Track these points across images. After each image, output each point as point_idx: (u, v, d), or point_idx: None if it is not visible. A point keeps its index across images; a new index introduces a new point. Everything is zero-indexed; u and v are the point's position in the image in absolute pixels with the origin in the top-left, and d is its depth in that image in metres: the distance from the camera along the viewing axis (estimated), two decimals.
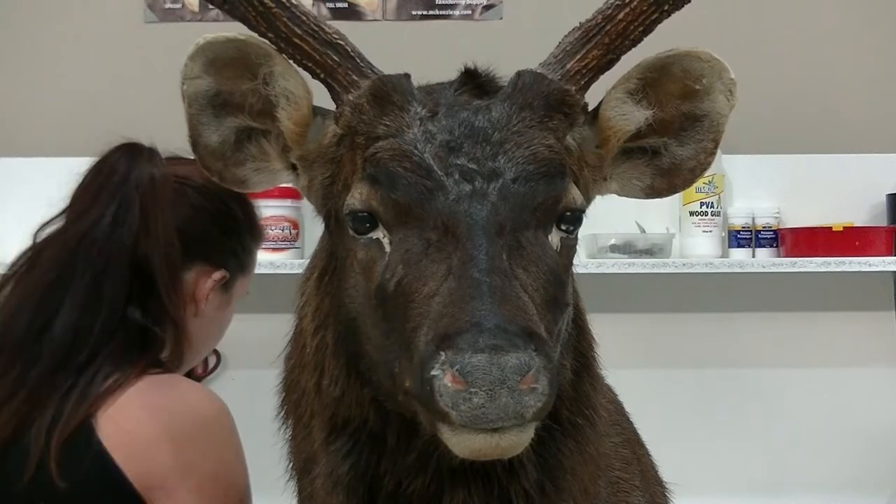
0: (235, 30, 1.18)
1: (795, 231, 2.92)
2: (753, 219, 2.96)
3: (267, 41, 1.18)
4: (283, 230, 2.84)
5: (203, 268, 1.69)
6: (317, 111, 1.23)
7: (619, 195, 1.30)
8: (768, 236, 2.95)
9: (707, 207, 2.90)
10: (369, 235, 1.12)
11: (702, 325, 3.01)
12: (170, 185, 1.64)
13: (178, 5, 3.10)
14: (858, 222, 2.92)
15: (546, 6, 2.89)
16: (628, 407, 1.70)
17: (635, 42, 1.19)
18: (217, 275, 1.70)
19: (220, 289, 1.72)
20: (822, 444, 2.98)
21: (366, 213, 1.12)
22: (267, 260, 2.80)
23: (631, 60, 1.22)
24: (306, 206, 2.44)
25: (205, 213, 1.68)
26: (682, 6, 1.19)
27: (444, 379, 0.94)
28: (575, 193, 1.14)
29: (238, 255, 1.75)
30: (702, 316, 3.01)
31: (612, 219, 2.75)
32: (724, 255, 2.94)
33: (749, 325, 3.02)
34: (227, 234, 1.72)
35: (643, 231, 2.91)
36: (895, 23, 3.09)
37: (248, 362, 2.99)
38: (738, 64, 1.22)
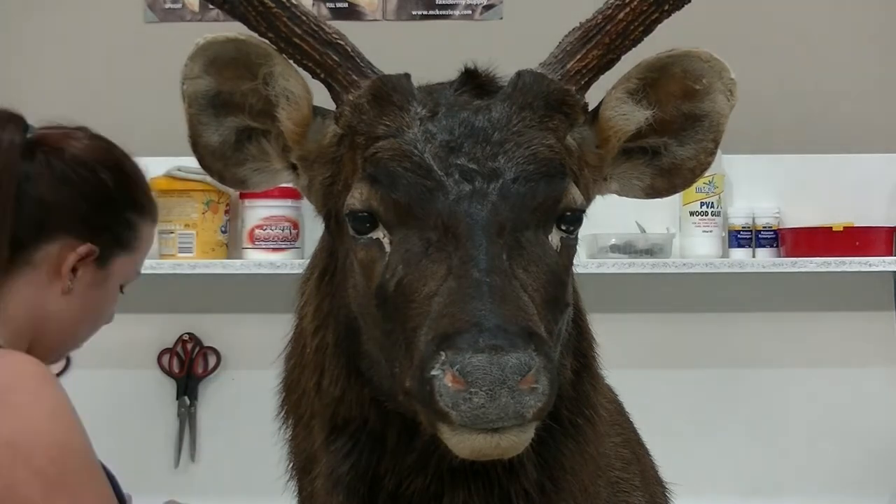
0: (235, 30, 1.18)
1: (795, 231, 2.92)
2: (753, 219, 2.96)
3: (267, 41, 1.18)
4: (283, 230, 2.84)
5: (67, 241, 1.62)
6: (317, 111, 1.23)
7: (620, 195, 1.31)
8: (768, 236, 2.94)
9: (707, 207, 2.90)
10: (369, 235, 1.12)
11: (702, 325, 3.01)
12: (16, 153, 1.58)
13: (178, 5, 3.10)
14: (858, 222, 2.92)
15: (546, 6, 2.89)
16: (628, 407, 1.70)
17: (635, 42, 1.19)
18: (82, 249, 1.61)
19: (95, 265, 1.64)
20: (822, 444, 2.98)
21: (366, 213, 1.12)
22: (267, 260, 2.81)
23: (631, 60, 1.22)
24: (306, 206, 2.43)
25: (69, 183, 1.61)
26: (682, 6, 1.19)
27: (445, 379, 0.94)
28: (575, 193, 1.14)
29: (113, 229, 1.66)
30: (702, 316, 3.01)
31: (612, 219, 2.75)
32: (724, 255, 2.94)
33: (749, 325, 3.01)
34: (97, 206, 1.64)
35: (643, 231, 2.91)
36: (895, 23, 3.09)
37: (248, 362, 3.00)
38: (738, 64, 1.22)
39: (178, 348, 3.01)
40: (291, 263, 2.73)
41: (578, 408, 1.23)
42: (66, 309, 1.64)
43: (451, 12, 3.10)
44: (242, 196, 2.87)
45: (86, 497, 1.43)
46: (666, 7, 1.18)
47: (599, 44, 1.18)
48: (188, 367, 3.00)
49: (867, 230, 2.89)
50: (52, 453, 1.40)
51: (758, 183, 3.01)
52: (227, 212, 2.91)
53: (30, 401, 1.44)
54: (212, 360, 3.04)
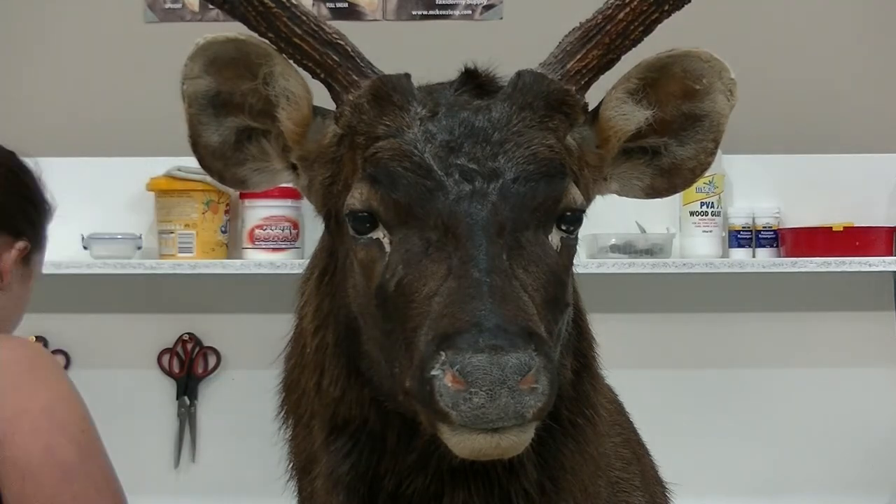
0: (235, 30, 1.18)
1: (795, 231, 2.92)
2: (753, 219, 2.96)
3: (267, 41, 1.18)
4: (283, 230, 2.84)
5: (4, 239, 1.69)
6: (317, 111, 1.23)
7: (620, 195, 1.31)
8: (768, 236, 2.94)
9: (707, 207, 2.90)
10: (369, 235, 1.12)
11: (702, 325, 3.01)
12: None
13: (178, 5, 3.10)
14: (858, 222, 2.92)
15: (546, 6, 2.89)
16: (628, 407, 1.70)
17: (635, 42, 1.19)
18: (20, 244, 1.69)
19: (21, 262, 1.71)
20: (822, 444, 2.98)
21: (366, 213, 1.12)
22: (267, 260, 2.81)
23: (631, 60, 1.22)
24: (306, 206, 2.43)
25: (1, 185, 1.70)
26: (683, 6, 1.19)
27: (445, 379, 0.94)
28: (575, 193, 1.14)
29: (35, 226, 1.75)
30: (702, 316, 3.01)
31: (612, 219, 2.75)
32: (725, 255, 2.94)
33: (749, 325, 3.01)
34: (25, 204, 1.73)
35: (643, 231, 2.91)
36: (895, 22, 3.08)
37: (248, 362, 3.00)
38: (739, 64, 1.22)
39: (178, 348, 3.01)
40: (291, 263, 2.73)
41: (578, 408, 1.23)
42: (3, 307, 1.69)
43: (451, 12, 3.11)
44: (242, 196, 2.87)
45: (108, 466, 1.55)
46: (666, 7, 1.18)
47: (599, 44, 1.18)
48: (188, 367, 3.00)
49: (867, 230, 2.89)
50: (83, 423, 1.54)
51: (758, 183, 3.01)
52: (227, 212, 2.92)
53: (56, 375, 1.56)
54: (212, 360, 3.04)
